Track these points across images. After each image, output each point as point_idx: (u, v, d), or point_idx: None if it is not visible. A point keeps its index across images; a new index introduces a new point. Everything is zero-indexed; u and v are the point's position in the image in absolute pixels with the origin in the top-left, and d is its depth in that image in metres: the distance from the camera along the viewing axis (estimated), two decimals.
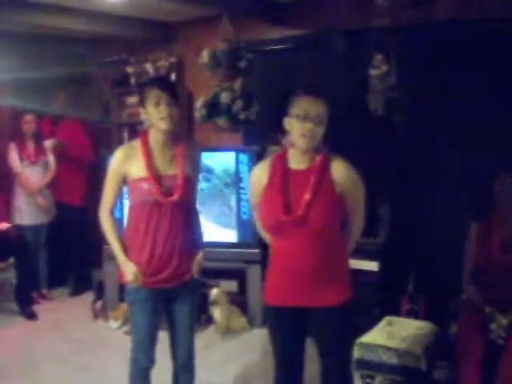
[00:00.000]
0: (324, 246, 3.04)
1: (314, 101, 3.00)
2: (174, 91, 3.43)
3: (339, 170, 3.05)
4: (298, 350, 3.26)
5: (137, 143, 3.45)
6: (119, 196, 3.53)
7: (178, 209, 3.40)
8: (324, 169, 3.04)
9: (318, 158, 3.05)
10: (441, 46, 4.93)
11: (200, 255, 3.55)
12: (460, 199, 4.90)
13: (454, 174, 4.98)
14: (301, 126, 2.97)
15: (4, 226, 6.27)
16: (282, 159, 3.13)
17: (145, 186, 3.34)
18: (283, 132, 3.10)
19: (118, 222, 3.54)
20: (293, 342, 3.24)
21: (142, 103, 3.42)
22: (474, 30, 4.72)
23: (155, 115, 3.33)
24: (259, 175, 3.18)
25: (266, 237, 3.32)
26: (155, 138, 3.42)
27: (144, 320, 3.45)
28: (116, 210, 3.55)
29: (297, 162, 3.09)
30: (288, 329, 3.20)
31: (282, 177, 3.08)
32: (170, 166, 3.42)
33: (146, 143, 3.42)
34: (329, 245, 3.07)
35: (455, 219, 4.76)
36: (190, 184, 3.46)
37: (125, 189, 3.51)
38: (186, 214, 3.47)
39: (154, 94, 3.33)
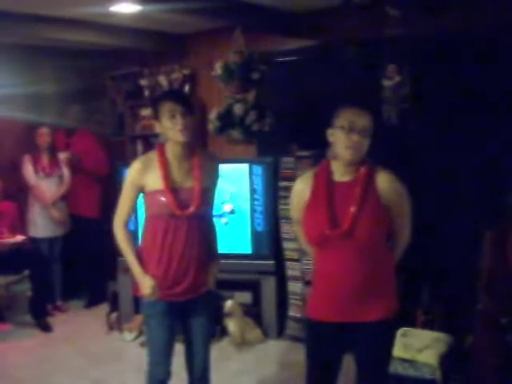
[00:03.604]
0: (370, 260, 2.96)
1: (361, 112, 2.95)
2: (188, 102, 3.43)
3: (385, 181, 2.99)
4: (335, 367, 3.16)
5: (154, 155, 3.44)
6: (135, 208, 3.52)
7: (194, 221, 3.39)
8: (369, 181, 2.97)
9: (363, 170, 2.98)
10: (454, 56, 4.92)
11: (215, 267, 3.56)
12: (475, 208, 4.87)
13: (468, 183, 4.95)
14: (346, 138, 2.91)
15: (19, 238, 6.30)
16: (326, 171, 3.05)
17: (161, 198, 3.34)
18: (327, 144, 3.03)
19: (132, 235, 3.54)
20: (331, 358, 3.14)
21: (156, 117, 3.41)
22: (488, 39, 4.71)
23: (171, 128, 3.32)
24: (302, 189, 3.11)
25: (310, 250, 3.26)
26: (172, 150, 3.41)
27: (161, 333, 3.45)
28: (131, 222, 3.54)
29: (341, 174, 3.02)
30: (328, 344, 3.11)
31: (326, 189, 3.00)
32: (187, 178, 3.41)
33: (162, 155, 3.41)
34: (374, 259, 2.98)
35: (470, 229, 4.73)
36: (206, 196, 3.45)
37: (140, 200, 3.52)
38: (202, 226, 3.46)
39: (168, 107, 3.32)
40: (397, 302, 3.09)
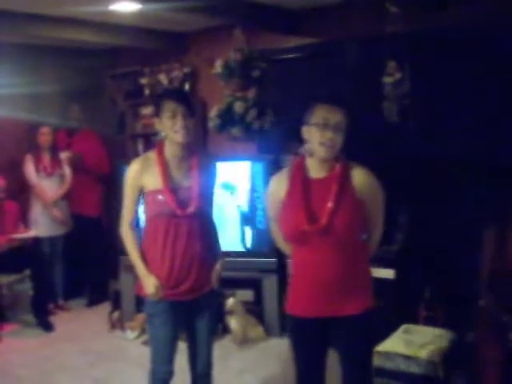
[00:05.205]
0: (347, 255, 3.01)
1: (334, 109, 2.97)
2: (190, 103, 3.42)
3: (360, 177, 3.02)
4: (320, 361, 3.21)
5: (152, 154, 3.45)
6: (138, 208, 3.53)
7: (194, 220, 3.40)
8: (345, 177, 3.00)
9: (338, 166, 3.02)
10: (454, 53, 4.92)
11: (218, 266, 3.56)
12: (476, 205, 4.87)
13: (470, 179, 4.95)
14: (320, 135, 2.94)
15: (32, 232, 6.33)
16: (301, 168, 3.08)
17: (161, 197, 3.34)
18: (301, 140, 3.07)
19: (139, 234, 3.54)
20: (315, 352, 3.19)
21: (157, 114, 3.41)
22: (489, 36, 4.70)
23: (170, 128, 3.32)
24: (278, 186, 3.14)
25: (286, 248, 3.28)
26: (171, 149, 3.41)
27: (164, 332, 3.45)
28: (135, 221, 3.54)
29: (316, 170, 3.05)
30: (311, 339, 3.15)
31: (302, 186, 3.03)
32: (186, 177, 3.42)
33: (161, 154, 3.42)
34: (352, 253, 3.03)
35: (472, 225, 4.72)
36: (205, 195, 3.46)
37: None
38: (202, 225, 3.47)
39: (169, 107, 3.32)
40: (373, 295, 3.14)
